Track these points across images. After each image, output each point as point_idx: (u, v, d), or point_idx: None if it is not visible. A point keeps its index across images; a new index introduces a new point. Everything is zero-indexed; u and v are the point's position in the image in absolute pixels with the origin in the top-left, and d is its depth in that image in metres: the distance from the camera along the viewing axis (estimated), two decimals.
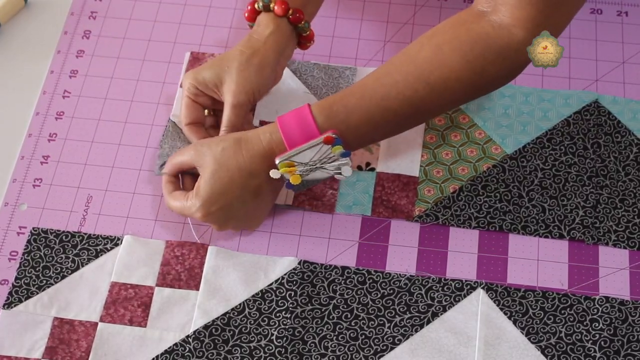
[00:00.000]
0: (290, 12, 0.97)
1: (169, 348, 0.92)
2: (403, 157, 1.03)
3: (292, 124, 0.89)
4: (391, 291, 0.95)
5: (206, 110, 1.01)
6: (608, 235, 0.97)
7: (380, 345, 0.92)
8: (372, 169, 1.02)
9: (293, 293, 0.94)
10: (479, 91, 0.93)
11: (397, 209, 0.99)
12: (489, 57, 0.89)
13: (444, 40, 0.90)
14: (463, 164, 1.02)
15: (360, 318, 0.93)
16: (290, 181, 0.90)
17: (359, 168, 1.02)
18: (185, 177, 0.96)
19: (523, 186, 1.00)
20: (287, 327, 0.92)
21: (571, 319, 0.92)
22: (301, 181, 0.90)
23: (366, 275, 0.96)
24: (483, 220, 0.98)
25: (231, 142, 0.91)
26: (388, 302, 0.94)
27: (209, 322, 0.93)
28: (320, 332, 0.92)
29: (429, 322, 0.93)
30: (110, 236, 0.98)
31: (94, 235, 0.99)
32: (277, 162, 0.89)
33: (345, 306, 0.94)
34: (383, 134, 0.94)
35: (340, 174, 0.91)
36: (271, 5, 0.98)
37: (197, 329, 0.93)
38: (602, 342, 0.91)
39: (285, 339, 0.92)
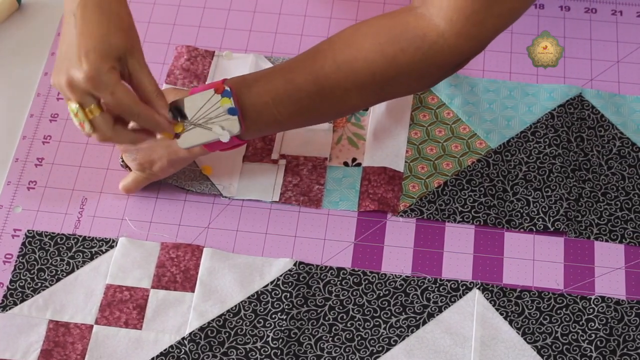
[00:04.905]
0: None
1: (164, 350, 0.92)
2: (389, 151, 1.03)
3: (203, 86, 0.90)
4: (387, 292, 0.94)
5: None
6: (590, 229, 0.97)
7: (376, 346, 0.92)
8: (359, 164, 1.02)
9: (288, 294, 0.94)
10: (388, 84, 0.89)
11: (384, 202, 0.99)
12: (402, 44, 0.85)
13: (364, 24, 0.89)
14: (448, 159, 1.02)
15: (356, 319, 0.93)
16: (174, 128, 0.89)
17: (345, 164, 1.02)
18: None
19: (507, 180, 1.00)
20: (282, 328, 0.92)
21: (567, 319, 0.92)
22: (182, 130, 0.89)
23: (362, 276, 0.95)
24: (468, 215, 0.98)
25: (173, 88, 0.96)
26: (384, 303, 0.94)
27: (204, 324, 0.93)
28: (316, 333, 0.92)
29: (424, 322, 0.93)
30: (105, 238, 0.98)
31: (88, 237, 0.98)
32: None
33: (340, 307, 0.94)
34: (285, 114, 0.90)
35: (223, 132, 0.90)
36: None
37: (193, 330, 0.93)
38: (598, 342, 0.91)
39: (281, 340, 0.92)
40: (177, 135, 0.90)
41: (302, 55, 0.91)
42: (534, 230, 0.97)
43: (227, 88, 0.88)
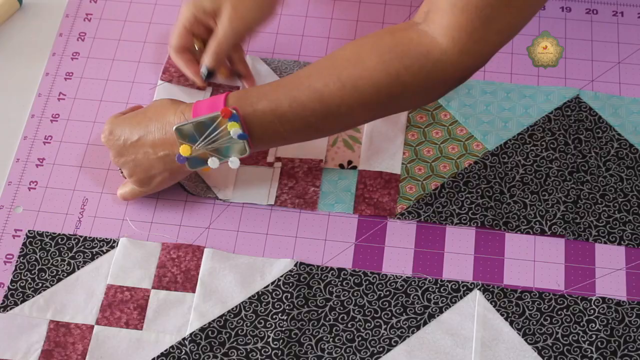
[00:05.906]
0: None
1: (165, 351, 0.92)
2: (385, 155, 1.03)
3: (205, 104, 0.91)
4: (387, 293, 0.94)
5: (196, 45, 1.05)
6: (589, 231, 0.97)
7: (377, 347, 0.92)
8: (354, 167, 1.02)
9: (289, 295, 0.94)
10: (393, 101, 0.89)
11: (379, 207, 0.99)
12: (405, 61, 0.86)
13: (367, 41, 0.89)
14: (444, 160, 1.02)
15: (356, 320, 0.93)
16: (180, 151, 0.90)
17: (341, 166, 1.02)
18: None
19: (504, 182, 1.00)
20: (283, 329, 0.92)
21: (568, 320, 0.92)
22: (191, 154, 0.90)
23: (362, 276, 0.95)
24: (465, 217, 0.98)
25: (169, 100, 0.94)
26: (384, 303, 0.94)
27: (205, 325, 0.93)
28: (317, 334, 0.92)
29: (425, 323, 0.93)
30: (106, 238, 0.98)
31: (89, 237, 0.98)
32: (173, 128, 0.90)
33: (341, 308, 0.94)
34: (291, 131, 0.91)
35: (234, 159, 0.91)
36: None
37: (194, 331, 0.93)
38: (599, 343, 0.91)
39: (281, 341, 0.92)
40: (185, 159, 0.91)
41: (304, 71, 0.90)
42: (531, 232, 0.97)
43: (234, 112, 0.88)
